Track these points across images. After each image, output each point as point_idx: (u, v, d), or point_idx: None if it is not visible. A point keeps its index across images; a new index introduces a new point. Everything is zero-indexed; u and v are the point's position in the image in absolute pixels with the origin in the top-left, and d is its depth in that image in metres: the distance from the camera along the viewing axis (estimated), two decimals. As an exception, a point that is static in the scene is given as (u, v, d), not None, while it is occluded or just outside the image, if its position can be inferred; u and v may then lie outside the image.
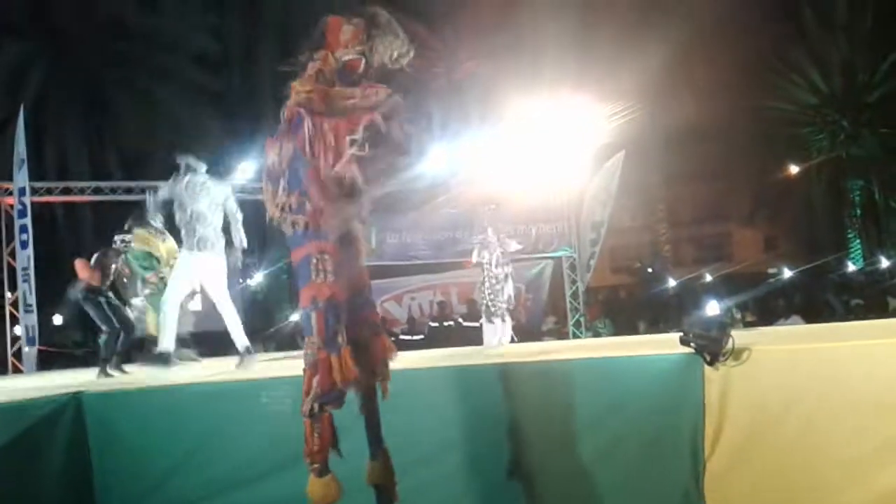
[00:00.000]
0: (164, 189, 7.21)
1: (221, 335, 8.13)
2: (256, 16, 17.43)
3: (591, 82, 12.92)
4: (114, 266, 8.29)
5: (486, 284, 8.23)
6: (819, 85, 20.98)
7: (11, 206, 12.74)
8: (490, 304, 8.17)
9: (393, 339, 13.41)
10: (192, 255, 6.70)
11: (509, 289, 8.29)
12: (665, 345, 4.74)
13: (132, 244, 8.33)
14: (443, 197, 13.47)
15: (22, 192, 12.23)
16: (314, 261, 3.44)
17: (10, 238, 12.99)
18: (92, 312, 8.25)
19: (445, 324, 13.61)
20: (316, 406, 3.41)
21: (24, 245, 12.18)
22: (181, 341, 8.75)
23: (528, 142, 12.13)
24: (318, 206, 3.52)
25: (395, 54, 3.67)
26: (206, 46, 16.53)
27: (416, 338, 13.64)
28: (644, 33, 15.97)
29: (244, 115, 15.79)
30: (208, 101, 16.76)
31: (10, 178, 13.04)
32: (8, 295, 12.92)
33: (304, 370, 3.46)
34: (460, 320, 13.67)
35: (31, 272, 11.99)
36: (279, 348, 13.35)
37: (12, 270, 12.86)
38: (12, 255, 12.83)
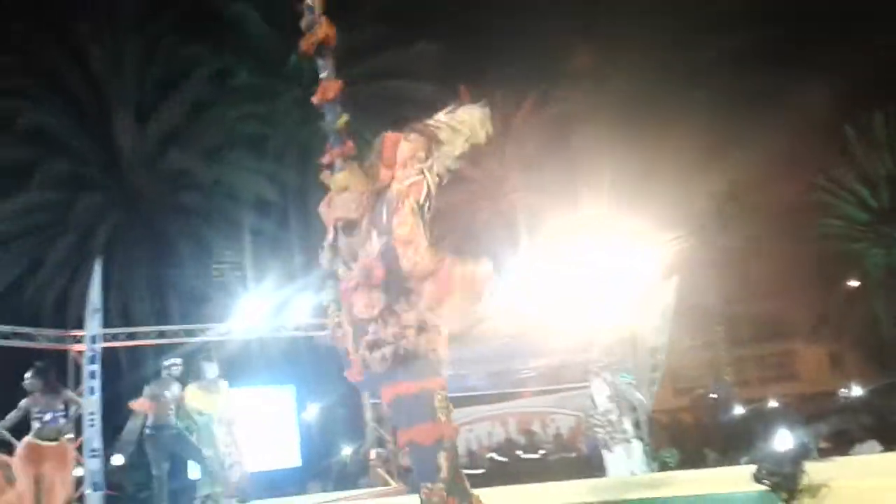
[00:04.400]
0: None
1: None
2: (307, 160, 18.30)
3: (647, 207, 13.09)
4: (168, 394, 8.33)
5: (602, 417, 8.34)
6: (868, 201, 21.13)
7: (79, 353, 13.19)
8: (607, 436, 8.15)
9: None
10: None
11: (628, 420, 8.33)
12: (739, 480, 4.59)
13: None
14: (492, 326, 13.51)
15: (93, 339, 12.69)
16: (438, 397, 3.20)
17: (77, 383, 13.38)
18: (150, 451, 8.28)
19: (505, 459, 13.27)
20: None
21: (91, 391, 12.49)
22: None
23: (578, 268, 12.19)
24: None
25: (455, 159, 3.52)
26: (263, 192, 17.33)
27: (476, 472, 13.31)
28: (699, 160, 16.32)
29: (301, 255, 16.27)
30: (265, 244, 17.37)
31: (78, 326, 13.57)
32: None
33: None
34: (519, 453, 13.32)
35: (98, 418, 12.20)
36: (339, 486, 13.09)
37: (78, 417, 13.14)
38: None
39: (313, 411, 15.92)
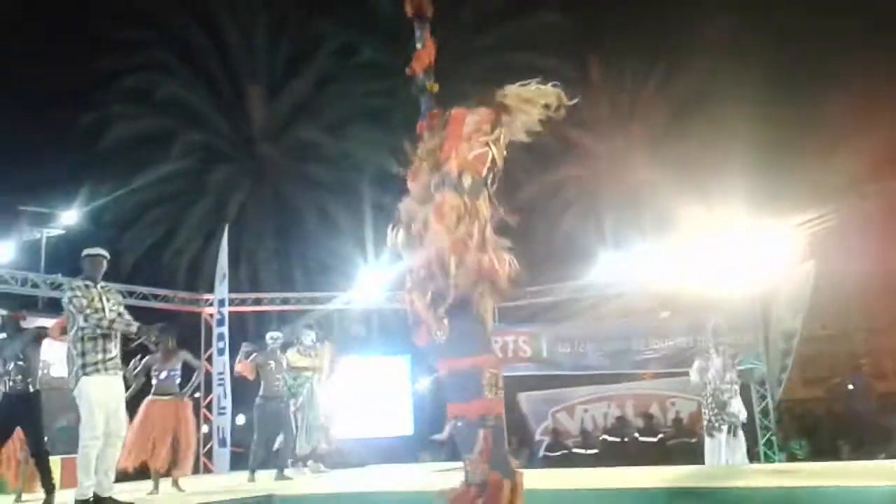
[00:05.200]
0: None
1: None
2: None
3: (783, 186, 12.42)
4: (272, 363, 8.82)
5: (711, 397, 7.96)
6: None
7: (210, 316, 13.86)
8: (714, 417, 7.82)
9: (565, 451, 12.82)
10: None
11: (738, 403, 7.92)
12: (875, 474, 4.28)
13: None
14: (615, 305, 13.22)
15: (222, 303, 13.32)
16: (487, 374, 3.28)
17: (207, 344, 14.07)
18: (257, 417, 8.82)
19: (623, 439, 12.98)
20: None
21: (220, 352, 13.13)
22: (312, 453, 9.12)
23: (713, 248, 11.70)
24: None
25: (528, 129, 3.52)
26: (385, 165, 17.53)
27: (589, 452, 13.12)
28: (839, 137, 15.29)
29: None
30: (386, 217, 17.64)
31: (209, 290, 14.24)
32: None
33: (465, 489, 3.25)
34: (636, 435, 13.00)
35: (227, 377, 12.79)
36: (448, 457, 13.22)
37: (208, 375, 13.83)
38: (208, 360, 13.82)
39: (426, 382, 16.07)
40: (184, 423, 7.55)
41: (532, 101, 3.54)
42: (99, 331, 5.37)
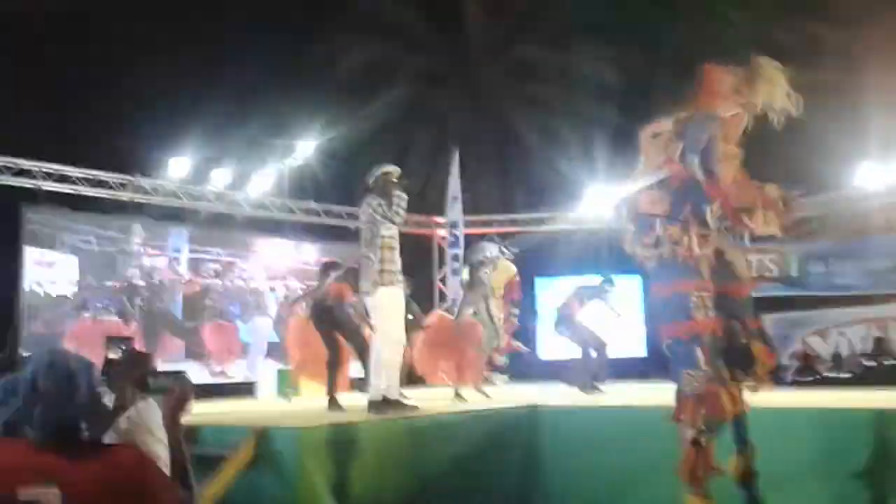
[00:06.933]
0: None
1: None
2: (653, 48, 17.37)
3: None
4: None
5: None
6: None
7: (443, 239, 14.26)
8: None
9: (817, 377, 12.01)
10: None
11: None
12: None
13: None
14: (881, 218, 11.92)
15: (454, 225, 13.65)
16: (694, 298, 3.58)
17: (440, 266, 14.52)
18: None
19: (885, 362, 11.89)
20: (702, 436, 3.55)
21: (455, 272, 13.53)
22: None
23: None
24: (700, 238, 3.62)
25: (778, 107, 3.59)
26: (607, 80, 16.87)
27: (842, 375, 12.20)
28: None
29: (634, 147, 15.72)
30: (606, 133, 17.05)
31: (438, 213, 14.61)
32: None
33: (685, 400, 3.62)
34: (898, 361, 11.85)
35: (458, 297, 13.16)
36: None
37: (442, 295, 14.35)
38: (442, 281, 14.29)
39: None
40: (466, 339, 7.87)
41: (781, 82, 3.63)
42: (395, 242, 5.66)
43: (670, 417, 3.69)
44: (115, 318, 10.91)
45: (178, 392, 2.16)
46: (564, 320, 9.32)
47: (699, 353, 3.55)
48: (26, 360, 2.10)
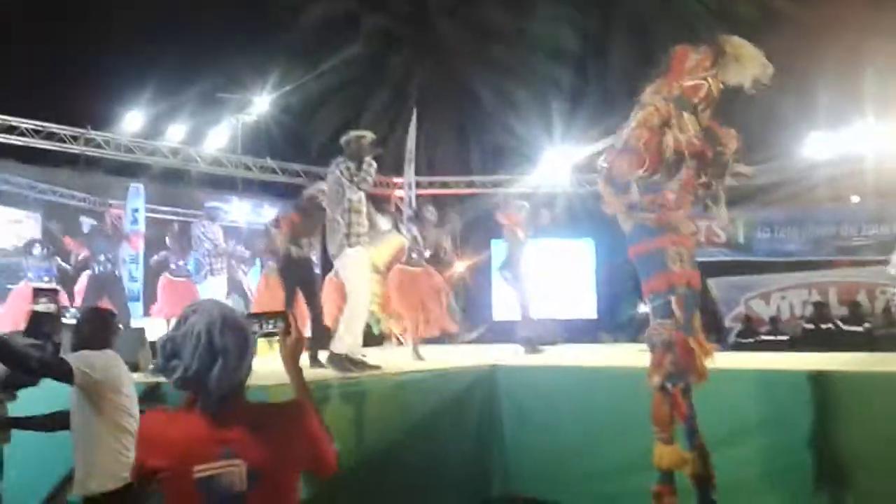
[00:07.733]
0: None
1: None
2: (612, 13, 17.46)
3: None
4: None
5: None
6: None
7: (400, 199, 14.31)
8: None
9: (758, 339, 12.43)
10: None
11: None
12: None
13: None
14: (824, 189, 12.37)
15: (410, 186, 13.70)
16: (670, 252, 3.69)
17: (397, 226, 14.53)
18: None
19: (822, 326, 12.40)
20: (669, 382, 3.65)
21: (409, 231, 13.58)
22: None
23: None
24: (675, 206, 3.78)
25: (751, 78, 3.67)
26: (565, 42, 16.94)
27: (781, 338, 12.71)
28: None
29: (596, 110, 15.90)
30: (563, 96, 17.17)
31: (396, 174, 14.62)
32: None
33: (654, 349, 3.69)
34: (839, 323, 12.38)
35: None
36: (630, 338, 13.22)
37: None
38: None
39: (610, 266, 15.98)
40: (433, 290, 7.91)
41: (750, 58, 3.72)
42: (361, 206, 5.70)
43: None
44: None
45: (293, 333, 2.14)
46: (511, 264, 8.89)
47: (674, 303, 3.62)
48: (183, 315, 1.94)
